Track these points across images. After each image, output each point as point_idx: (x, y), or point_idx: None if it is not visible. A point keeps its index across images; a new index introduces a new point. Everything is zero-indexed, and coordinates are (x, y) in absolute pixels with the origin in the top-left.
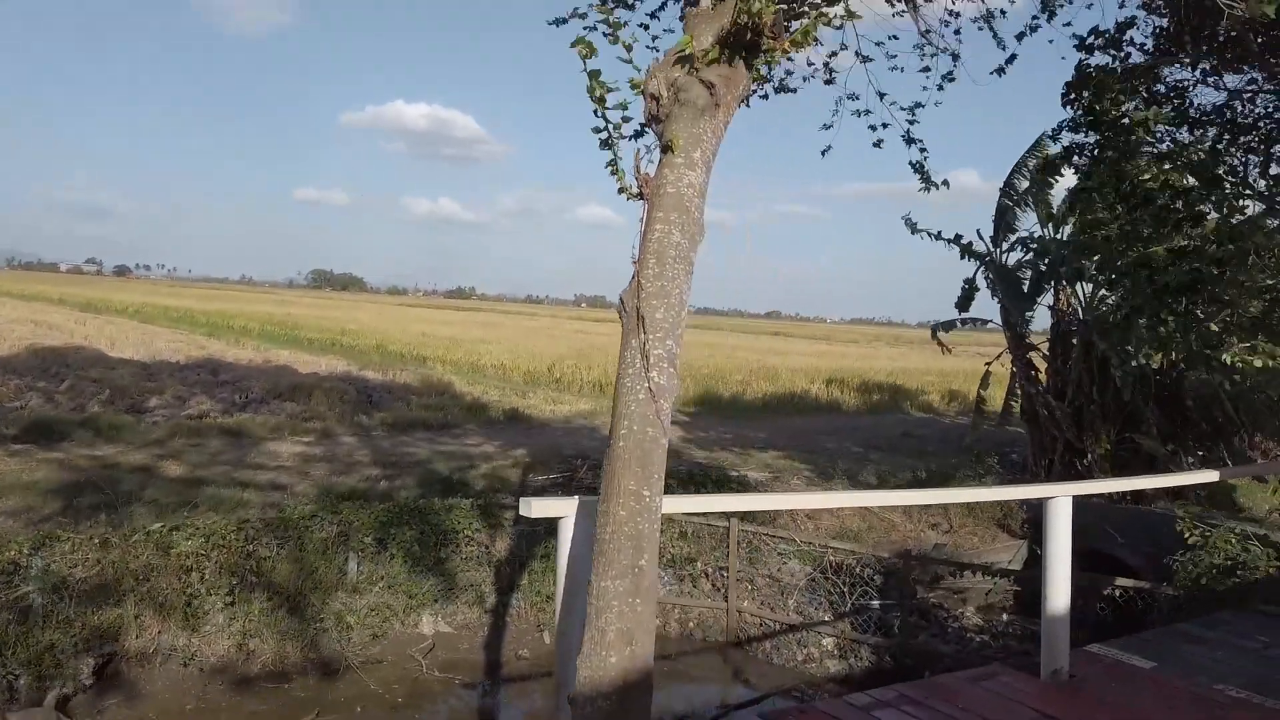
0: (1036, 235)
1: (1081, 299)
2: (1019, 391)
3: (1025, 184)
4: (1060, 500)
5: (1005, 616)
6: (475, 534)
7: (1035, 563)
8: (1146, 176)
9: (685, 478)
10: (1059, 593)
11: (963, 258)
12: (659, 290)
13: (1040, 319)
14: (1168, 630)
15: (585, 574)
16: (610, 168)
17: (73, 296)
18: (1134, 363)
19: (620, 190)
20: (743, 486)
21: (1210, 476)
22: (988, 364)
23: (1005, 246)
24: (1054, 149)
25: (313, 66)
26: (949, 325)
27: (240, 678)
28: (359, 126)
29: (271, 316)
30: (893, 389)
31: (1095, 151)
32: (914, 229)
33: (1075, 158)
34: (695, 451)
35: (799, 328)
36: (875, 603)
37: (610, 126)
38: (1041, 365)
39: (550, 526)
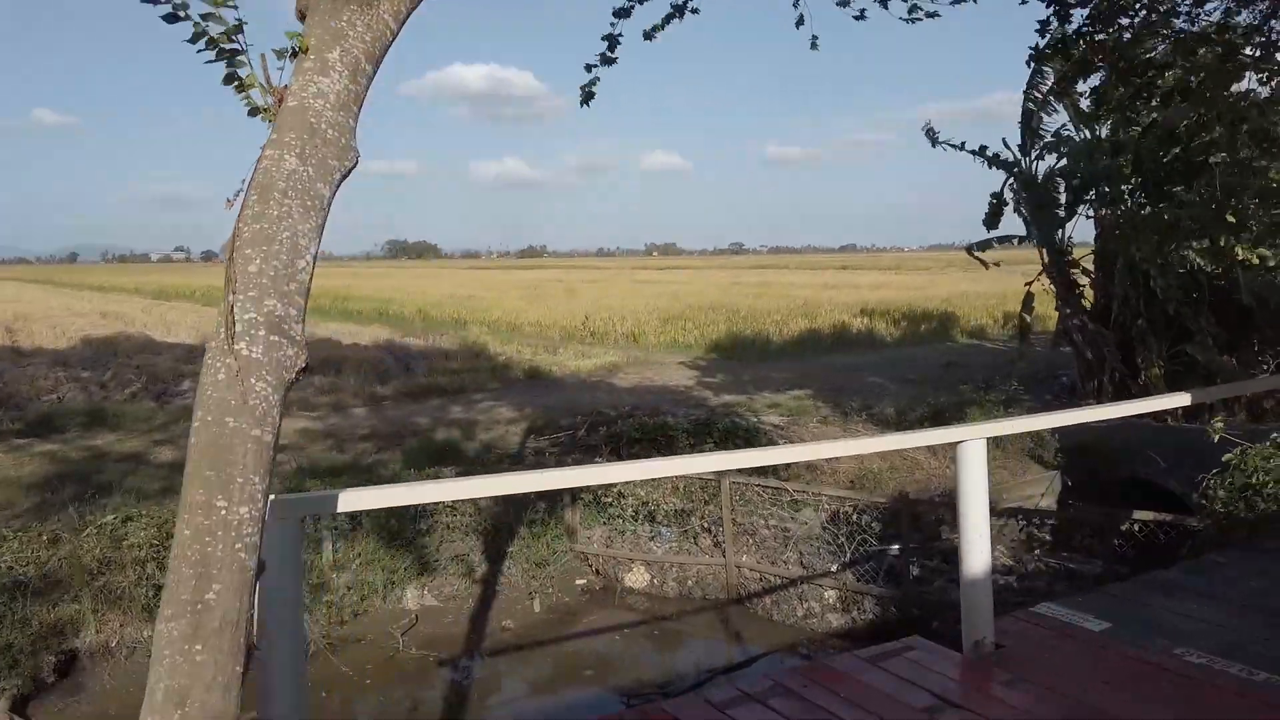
0: (1066, 137)
1: (1126, 206)
2: (1059, 312)
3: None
4: (971, 445)
5: (1037, 553)
6: (457, 504)
7: (1069, 495)
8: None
9: (691, 430)
10: (977, 550)
11: (990, 168)
12: (258, 235)
13: (1085, 231)
14: (1140, 580)
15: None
16: (234, 83)
17: (147, 285)
18: (1177, 268)
19: (252, 112)
20: (751, 434)
21: (1182, 400)
22: (1028, 284)
23: (1035, 155)
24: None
25: None
26: (985, 244)
27: None
28: (421, 94)
29: (330, 290)
30: (944, 317)
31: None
32: (935, 141)
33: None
34: (711, 398)
35: (872, 259)
36: (883, 549)
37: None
38: (1086, 281)
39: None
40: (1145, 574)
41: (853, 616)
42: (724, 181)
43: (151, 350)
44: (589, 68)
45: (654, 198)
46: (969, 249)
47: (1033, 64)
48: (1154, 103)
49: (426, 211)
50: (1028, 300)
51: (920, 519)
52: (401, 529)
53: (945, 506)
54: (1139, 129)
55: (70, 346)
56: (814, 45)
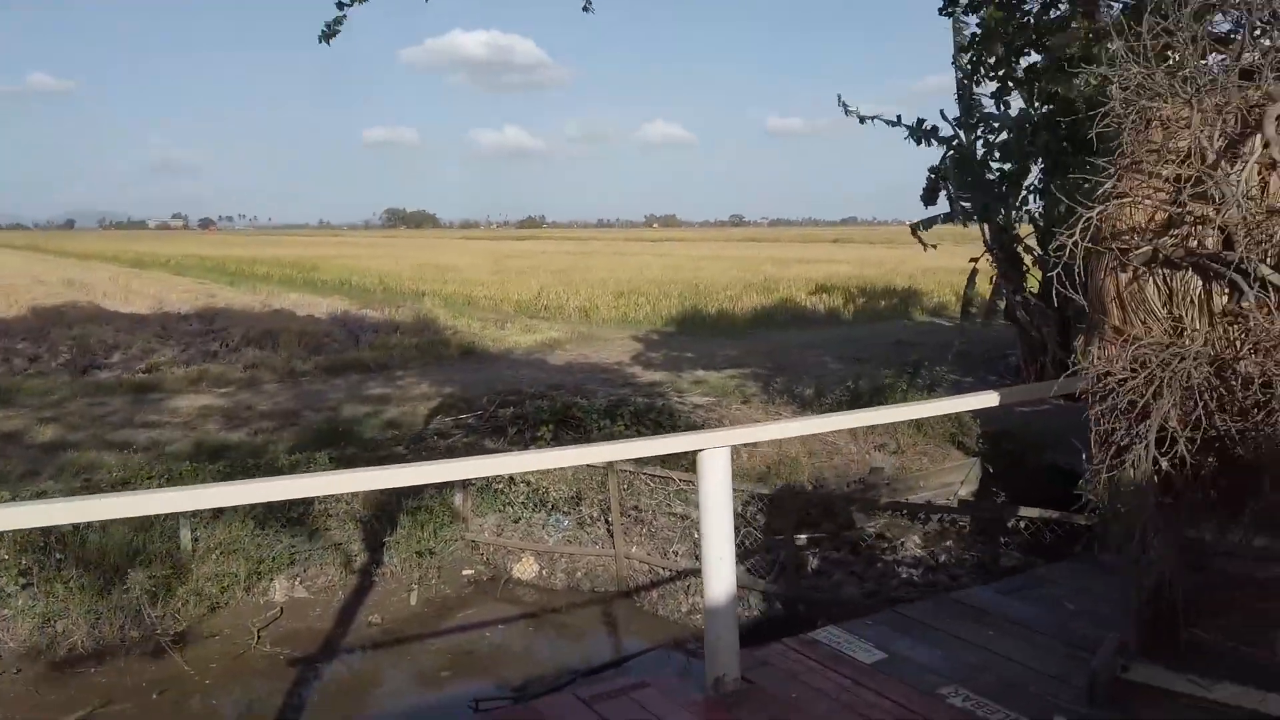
0: (986, 111)
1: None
2: (994, 290)
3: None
4: (711, 455)
5: (949, 543)
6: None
7: (989, 482)
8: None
9: (602, 411)
10: (719, 575)
11: (919, 144)
12: None
13: None
14: (946, 599)
15: None
16: None
17: (126, 253)
18: None
19: None
20: (664, 416)
21: (989, 400)
22: (972, 261)
23: (974, 129)
24: None
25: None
26: (930, 221)
27: (49, 664)
28: (420, 62)
29: (303, 260)
30: (906, 293)
31: None
32: (861, 119)
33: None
34: (644, 376)
35: (868, 232)
36: (790, 539)
37: None
38: (1029, 258)
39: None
40: (958, 590)
41: (738, 613)
42: (725, 153)
43: (98, 320)
44: (340, 5)
45: (655, 169)
46: (913, 227)
47: (947, 14)
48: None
49: (426, 181)
50: (971, 278)
51: (789, 514)
52: (270, 515)
53: (818, 495)
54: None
55: (17, 315)
56: None
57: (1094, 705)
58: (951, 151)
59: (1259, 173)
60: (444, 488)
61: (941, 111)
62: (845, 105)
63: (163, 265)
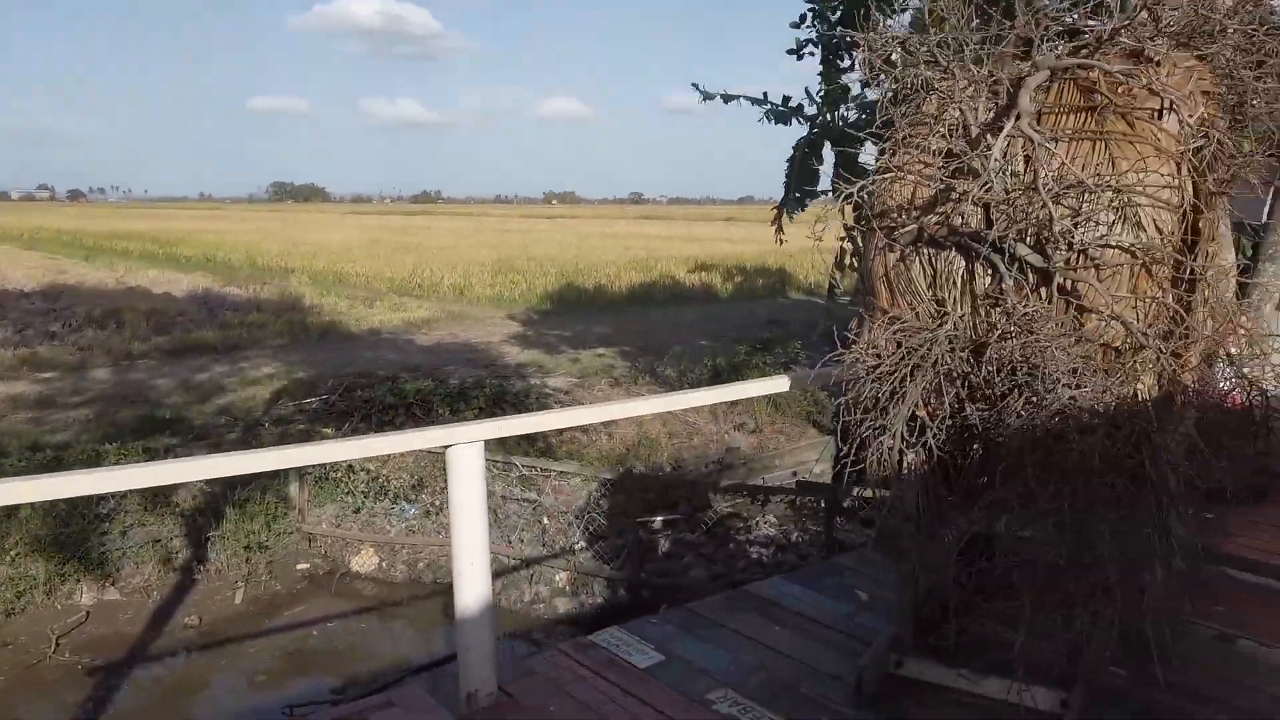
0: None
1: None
2: (847, 269)
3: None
4: (461, 450)
5: (805, 523)
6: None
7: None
8: None
9: (455, 395)
10: (471, 581)
11: (776, 123)
12: None
13: None
14: (738, 593)
15: None
16: None
17: None
18: None
19: None
20: (520, 399)
21: (781, 385)
22: (840, 239)
23: (841, 109)
24: None
25: None
26: (800, 202)
27: None
28: (309, 29)
29: (165, 234)
30: (782, 272)
31: None
32: (725, 99)
33: None
34: (512, 356)
35: (762, 211)
36: (644, 522)
37: None
38: None
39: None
40: (752, 582)
41: (581, 601)
42: (625, 130)
43: None
44: None
45: (554, 145)
46: (779, 211)
47: None
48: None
49: (316, 153)
50: (840, 257)
51: (630, 498)
52: (74, 513)
53: (656, 479)
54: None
55: None
56: None
57: (862, 706)
58: (815, 130)
59: (1022, 147)
60: (277, 478)
61: (806, 89)
62: (702, 91)
63: (14, 239)
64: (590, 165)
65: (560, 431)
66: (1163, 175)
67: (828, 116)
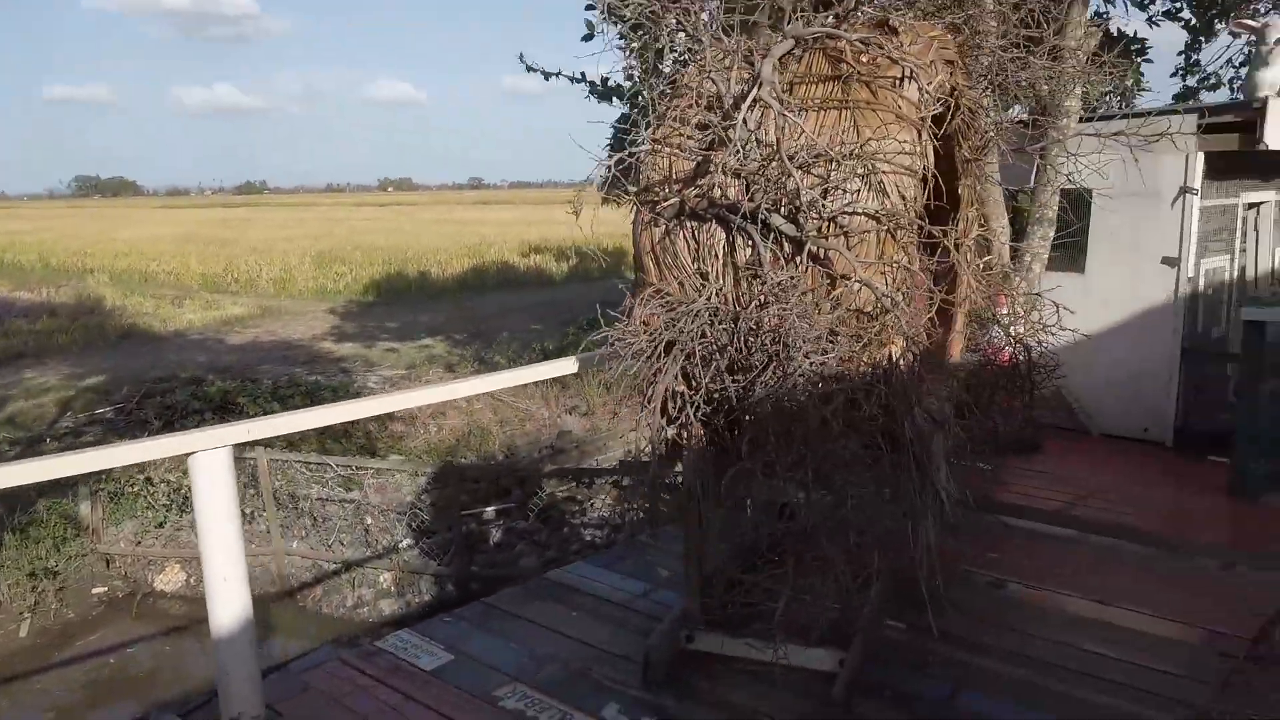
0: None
1: None
2: None
3: None
4: (206, 457)
5: (628, 504)
6: None
7: None
8: None
9: (269, 395)
10: (226, 600)
11: (600, 101)
12: None
13: None
14: (534, 584)
15: None
16: None
17: None
18: None
19: None
20: (341, 395)
21: (569, 367)
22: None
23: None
24: None
25: None
26: (620, 181)
27: None
28: (111, 9)
29: None
30: (618, 253)
31: None
32: (546, 76)
33: None
34: (333, 351)
35: (507, 195)
36: (475, 514)
37: None
38: None
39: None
40: (553, 569)
41: (408, 600)
42: (463, 114)
43: None
44: None
45: (387, 130)
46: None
47: None
48: None
49: (125, 144)
50: None
51: (453, 489)
52: None
53: (480, 469)
54: None
55: None
56: None
57: (649, 685)
58: (635, 108)
59: (773, 118)
60: (65, 496)
61: (623, 67)
62: (527, 64)
63: None
64: (427, 150)
65: (385, 426)
66: (903, 142)
67: (642, 94)
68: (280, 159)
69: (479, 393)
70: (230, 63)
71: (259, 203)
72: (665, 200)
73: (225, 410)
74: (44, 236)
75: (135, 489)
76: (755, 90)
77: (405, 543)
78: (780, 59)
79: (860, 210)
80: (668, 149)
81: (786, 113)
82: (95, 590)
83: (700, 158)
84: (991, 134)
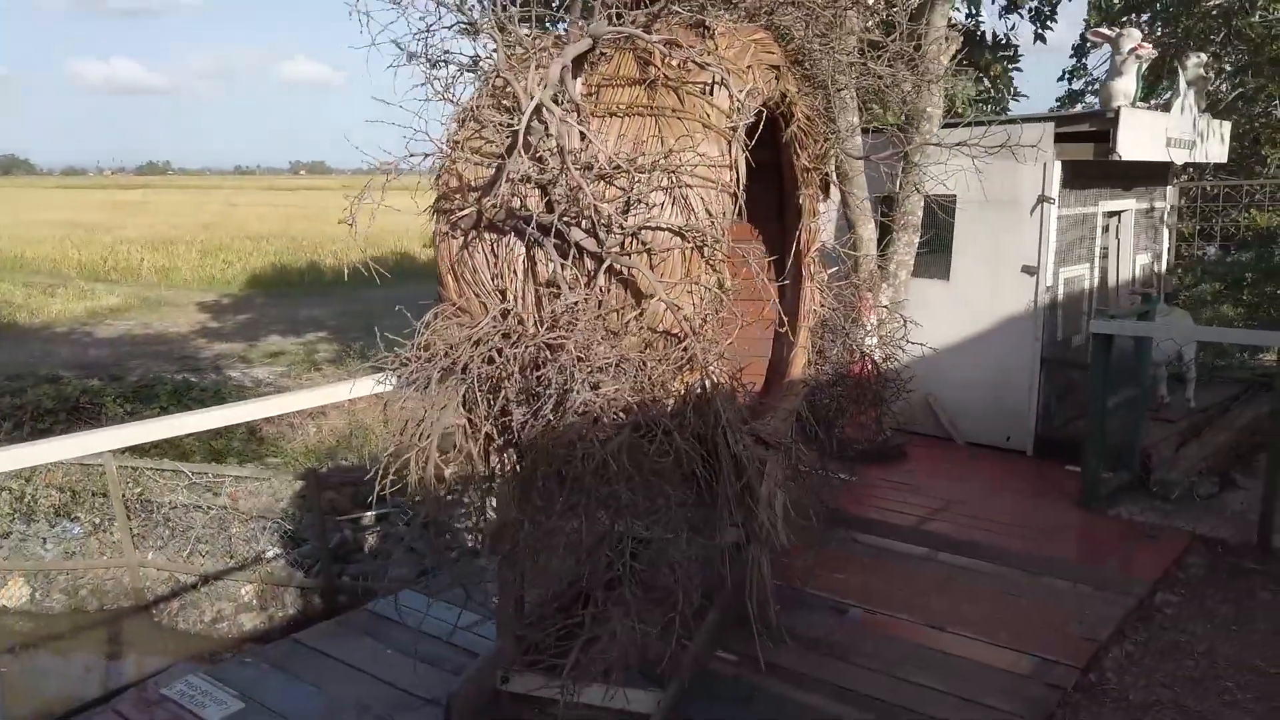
0: None
1: None
2: None
3: None
4: None
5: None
6: None
7: None
8: None
9: (130, 395)
10: None
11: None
12: None
13: None
14: (350, 617)
15: None
16: None
17: None
18: None
19: None
20: (213, 394)
21: (361, 389)
22: None
23: None
24: None
25: None
26: None
27: None
28: None
29: None
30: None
31: None
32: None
33: None
34: (208, 347)
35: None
36: (355, 519)
37: None
38: None
39: None
40: (363, 606)
41: (271, 614)
42: (381, 95)
43: None
44: None
45: (300, 111)
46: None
47: None
48: None
49: (17, 121)
50: None
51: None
52: None
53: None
54: None
55: None
56: None
57: None
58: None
59: (577, 123)
60: None
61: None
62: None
63: None
64: (341, 133)
65: (258, 428)
66: (708, 154)
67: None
68: (187, 139)
69: (300, 409)
70: (131, 37)
71: (158, 185)
72: (463, 209)
73: (80, 412)
74: None
75: None
76: (538, 93)
77: (271, 552)
78: (587, 60)
79: (664, 225)
80: (468, 153)
81: (569, 118)
82: None
83: (497, 164)
84: (832, 141)
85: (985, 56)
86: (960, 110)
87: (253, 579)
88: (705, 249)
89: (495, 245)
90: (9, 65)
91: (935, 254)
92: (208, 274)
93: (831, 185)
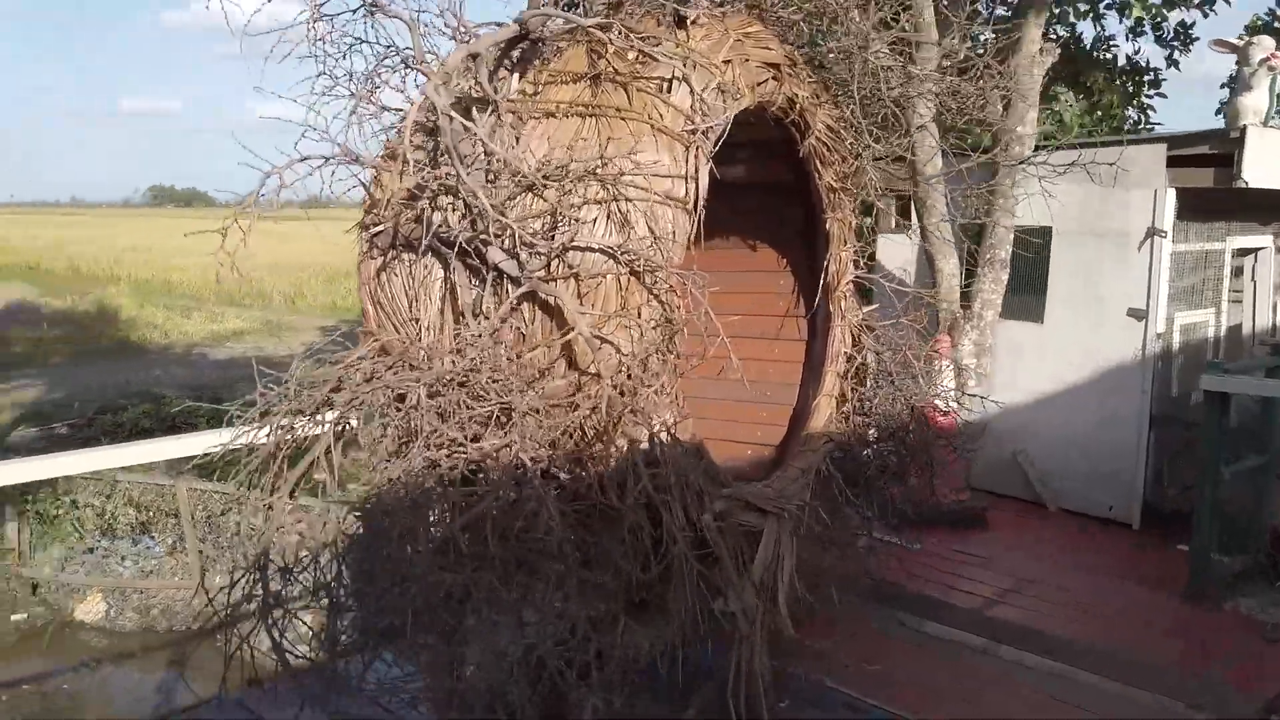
0: None
1: None
2: None
3: None
4: None
5: None
6: None
7: None
8: None
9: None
10: None
11: None
12: None
13: None
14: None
15: None
16: None
17: None
18: None
19: None
20: None
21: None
22: None
23: None
24: None
25: None
26: None
27: None
28: None
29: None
30: None
31: None
32: None
33: None
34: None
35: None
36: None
37: None
38: None
39: None
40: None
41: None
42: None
43: None
44: None
45: None
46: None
47: None
48: None
49: (199, 155)
50: None
51: None
52: None
53: None
54: None
55: None
56: None
57: None
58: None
59: (510, 125)
60: None
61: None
62: None
63: None
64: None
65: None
66: (656, 162)
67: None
68: None
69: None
70: None
71: (318, 216)
72: (377, 226)
73: (176, 430)
74: (86, 247)
75: (62, 512)
76: (432, 89)
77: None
78: (536, 54)
79: (590, 246)
80: (389, 160)
81: (465, 122)
82: (14, 617)
83: (420, 174)
84: (864, 159)
85: (1095, 75)
86: (1064, 133)
87: (313, 608)
88: (647, 275)
89: (413, 267)
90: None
91: (1027, 293)
92: (330, 300)
93: (893, 213)
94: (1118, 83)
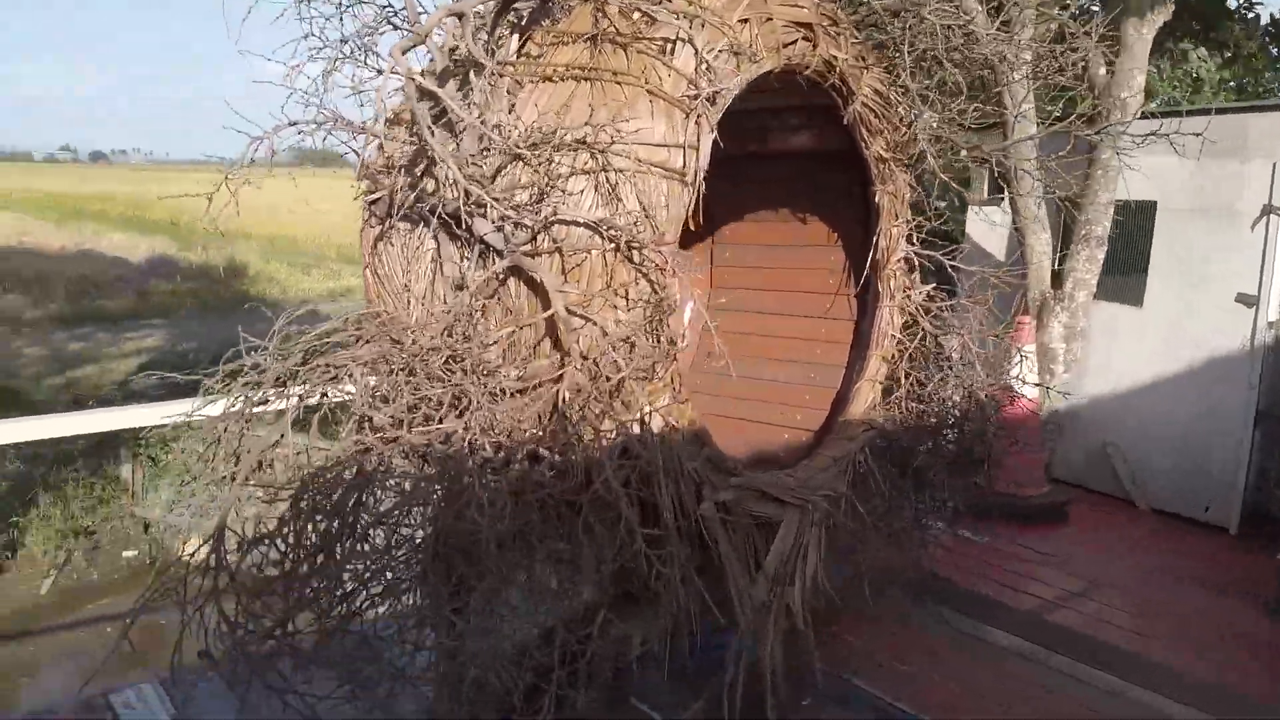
0: None
1: None
2: None
3: None
4: None
5: None
6: None
7: None
8: None
9: None
10: None
11: None
12: None
13: None
14: None
15: None
16: None
17: None
18: None
19: None
20: None
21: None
22: None
23: None
24: None
25: None
26: None
27: None
28: None
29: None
30: None
31: None
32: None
33: None
34: None
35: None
36: None
37: None
38: None
39: None
40: None
41: None
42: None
43: None
44: None
45: None
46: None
47: None
48: None
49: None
50: None
51: None
52: None
53: None
54: None
55: None
56: None
57: None
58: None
59: (508, 90)
60: (110, 458)
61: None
62: None
63: None
64: None
65: None
66: (649, 130)
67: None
68: None
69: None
70: None
71: None
72: (375, 194)
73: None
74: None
75: (170, 455)
76: (399, 54)
77: None
78: (544, 13)
79: (573, 219)
80: (394, 127)
81: (427, 85)
82: (125, 554)
83: (416, 142)
84: (911, 127)
85: (1230, 27)
86: (1199, 95)
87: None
88: (635, 252)
89: (408, 237)
90: None
91: (1126, 274)
92: None
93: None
94: (1257, 41)
